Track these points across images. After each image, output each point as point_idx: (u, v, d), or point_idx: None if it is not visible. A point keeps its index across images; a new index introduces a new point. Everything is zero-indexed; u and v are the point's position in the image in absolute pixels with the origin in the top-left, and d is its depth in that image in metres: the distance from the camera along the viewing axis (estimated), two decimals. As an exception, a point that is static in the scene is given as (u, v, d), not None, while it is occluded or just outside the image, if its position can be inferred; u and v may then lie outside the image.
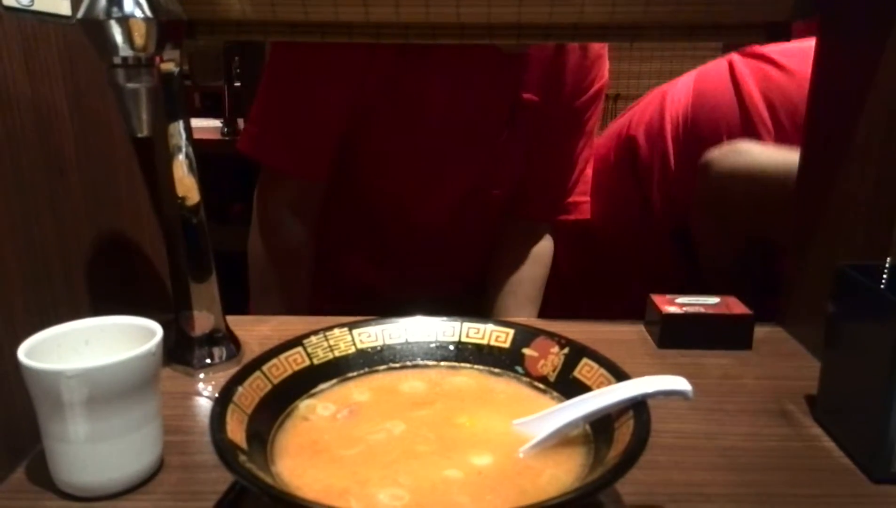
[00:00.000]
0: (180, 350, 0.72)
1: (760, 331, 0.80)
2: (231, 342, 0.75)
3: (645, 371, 0.74)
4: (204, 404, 0.68)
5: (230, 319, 0.80)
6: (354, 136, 0.97)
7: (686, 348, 0.78)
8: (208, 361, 0.72)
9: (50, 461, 0.53)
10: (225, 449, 0.41)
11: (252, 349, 0.77)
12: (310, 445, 0.48)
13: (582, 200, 1.11)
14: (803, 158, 0.82)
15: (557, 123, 1.03)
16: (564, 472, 0.45)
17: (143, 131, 0.57)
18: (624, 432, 0.45)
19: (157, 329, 0.55)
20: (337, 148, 0.97)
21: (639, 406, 0.46)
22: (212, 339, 0.73)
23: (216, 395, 0.67)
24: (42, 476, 0.54)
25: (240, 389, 0.49)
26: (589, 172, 1.10)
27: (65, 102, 0.62)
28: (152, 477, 0.55)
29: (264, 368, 0.52)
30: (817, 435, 0.62)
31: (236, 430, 0.45)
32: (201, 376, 0.72)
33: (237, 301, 1.09)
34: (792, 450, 0.60)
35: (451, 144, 0.97)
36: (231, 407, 0.46)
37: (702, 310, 0.79)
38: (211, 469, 0.56)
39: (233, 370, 0.72)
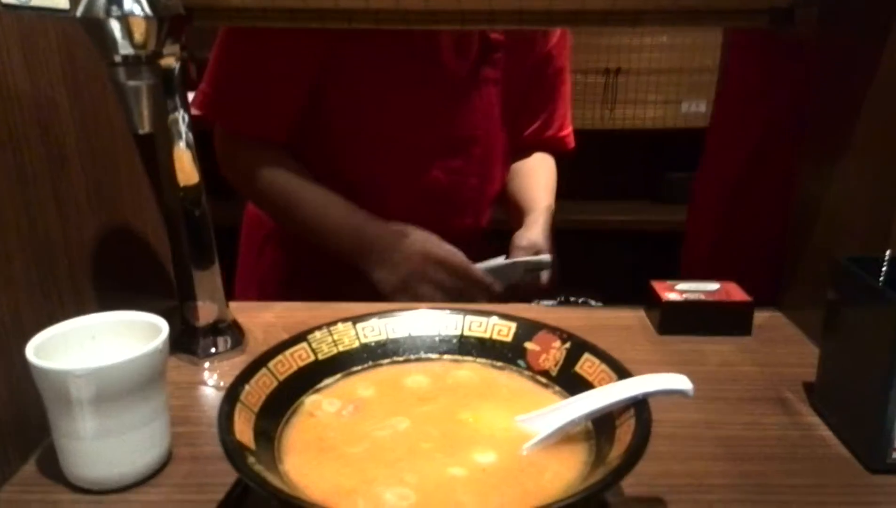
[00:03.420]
0: (185, 340, 0.73)
1: (760, 316, 0.81)
2: (235, 330, 0.75)
3: (645, 358, 0.75)
4: (210, 394, 0.69)
5: (233, 305, 0.81)
6: (326, 90, 0.94)
7: (686, 334, 0.79)
8: (213, 350, 0.73)
9: (60, 455, 0.53)
10: (233, 451, 0.42)
11: (256, 337, 0.78)
12: (316, 442, 0.49)
13: (568, 132, 1.17)
14: (805, 148, 0.81)
15: (533, 67, 1.06)
16: (567, 469, 0.46)
17: (145, 128, 0.57)
18: (625, 430, 0.46)
19: (162, 325, 0.56)
20: (300, 108, 0.94)
21: (640, 405, 0.47)
22: (216, 329, 0.73)
23: (222, 384, 0.68)
24: (53, 469, 0.55)
25: (246, 387, 0.49)
26: (568, 105, 1.16)
27: (64, 95, 0.62)
28: (162, 469, 0.56)
29: (270, 365, 0.52)
30: (815, 424, 0.63)
31: (244, 430, 0.45)
32: (207, 365, 0.72)
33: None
34: (790, 439, 0.61)
35: (426, 88, 0.96)
36: (238, 406, 0.47)
37: (702, 297, 0.79)
38: (219, 460, 0.56)
39: (237, 359, 0.74)
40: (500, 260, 0.97)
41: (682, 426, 0.62)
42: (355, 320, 0.59)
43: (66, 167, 0.63)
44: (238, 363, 0.73)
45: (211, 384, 0.70)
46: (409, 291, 0.91)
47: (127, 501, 0.53)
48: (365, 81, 0.93)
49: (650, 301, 0.83)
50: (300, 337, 0.56)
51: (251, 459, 0.42)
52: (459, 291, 0.92)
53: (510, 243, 1.02)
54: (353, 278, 0.94)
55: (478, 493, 0.44)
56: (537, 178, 1.13)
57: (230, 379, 0.70)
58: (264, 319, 0.82)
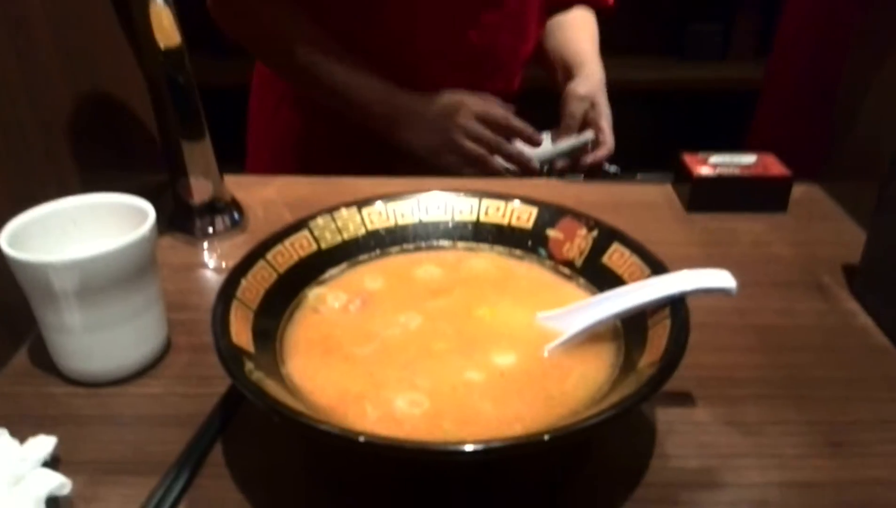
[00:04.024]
0: (180, 218, 0.68)
1: (796, 190, 0.75)
2: (234, 208, 0.71)
3: (672, 238, 0.70)
4: (210, 276, 0.65)
5: (231, 179, 0.75)
6: None
7: (717, 211, 0.73)
8: (211, 230, 0.68)
9: (50, 349, 0.51)
10: (230, 358, 0.38)
11: (256, 214, 0.73)
12: (321, 341, 0.45)
13: None
14: (867, 8, 0.72)
15: None
16: (593, 372, 0.42)
17: (111, -18, 0.49)
18: (659, 332, 0.42)
19: (148, 210, 0.51)
20: None
21: (676, 304, 0.42)
22: (213, 207, 0.69)
23: (224, 265, 0.64)
24: (46, 359, 0.52)
25: (243, 282, 0.45)
26: None
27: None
28: (160, 360, 0.53)
29: (269, 256, 0.48)
30: (854, 311, 0.59)
31: (241, 330, 0.42)
32: (205, 245, 0.68)
33: (237, 145, 1.02)
34: (826, 328, 0.57)
35: None
36: (235, 304, 0.43)
37: (736, 172, 0.73)
38: (220, 350, 0.54)
39: (238, 239, 0.69)
40: (545, 145, 0.89)
41: (712, 313, 0.58)
42: (360, 204, 0.53)
43: (28, 31, 0.55)
44: (238, 243, 0.69)
45: (210, 265, 0.66)
46: (445, 152, 0.85)
47: (124, 394, 0.50)
48: None
49: (679, 175, 0.77)
50: (301, 224, 0.51)
51: (249, 366, 0.38)
52: (497, 149, 0.85)
53: (564, 94, 0.93)
54: (376, 142, 0.88)
55: (496, 399, 0.40)
56: (583, 32, 1.02)
57: (230, 260, 0.67)
58: (264, 194, 0.77)
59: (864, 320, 0.58)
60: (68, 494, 0.41)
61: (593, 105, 0.92)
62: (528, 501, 0.41)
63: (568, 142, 0.90)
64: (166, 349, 0.54)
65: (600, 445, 0.45)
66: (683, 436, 0.47)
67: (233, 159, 1.00)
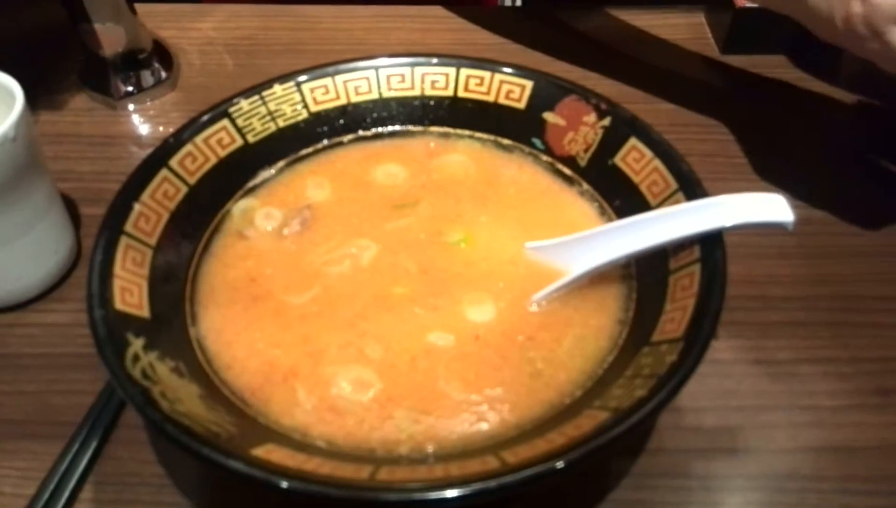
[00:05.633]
0: (92, 74, 0.55)
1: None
2: (159, 59, 0.57)
3: (697, 93, 0.57)
4: (134, 152, 0.53)
5: (158, 10, 0.61)
6: None
7: (759, 52, 0.59)
8: (132, 89, 0.55)
9: (-74, 273, 0.41)
10: (105, 341, 0.28)
11: (191, 63, 0.60)
12: (246, 285, 0.35)
13: None
14: None
15: None
16: (593, 332, 0.33)
17: None
18: (684, 284, 0.31)
19: (15, 92, 0.38)
20: None
21: (709, 244, 0.32)
22: (134, 60, 0.55)
23: (161, 130, 0.53)
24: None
25: (136, 207, 0.34)
26: None
27: None
28: (68, 275, 0.44)
29: (172, 163, 0.36)
30: (921, 199, 0.48)
31: (131, 286, 0.31)
32: (131, 107, 0.55)
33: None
34: (885, 217, 0.47)
35: None
36: (123, 244, 0.32)
37: (791, 1, 0.58)
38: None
39: (167, 98, 0.57)
40: None
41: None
42: (299, 78, 0.40)
43: None
44: (168, 104, 0.56)
45: (134, 137, 0.54)
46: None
47: (23, 325, 0.42)
48: None
49: (716, 4, 0.61)
50: (219, 111, 0.39)
51: (135, 346, 0.29)
52: None
53: None
54: None
55: (467, 376, 0.31)
56: None
57: (160, 129, 0.55)
58: (201, 33, 0.62)
59: (934, 210, 0.47)
60: (-51, 475, 0.34)
61: None
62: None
63: None
64: (75, 260, 0.44)
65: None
66: (701, 381, 0.37)
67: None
